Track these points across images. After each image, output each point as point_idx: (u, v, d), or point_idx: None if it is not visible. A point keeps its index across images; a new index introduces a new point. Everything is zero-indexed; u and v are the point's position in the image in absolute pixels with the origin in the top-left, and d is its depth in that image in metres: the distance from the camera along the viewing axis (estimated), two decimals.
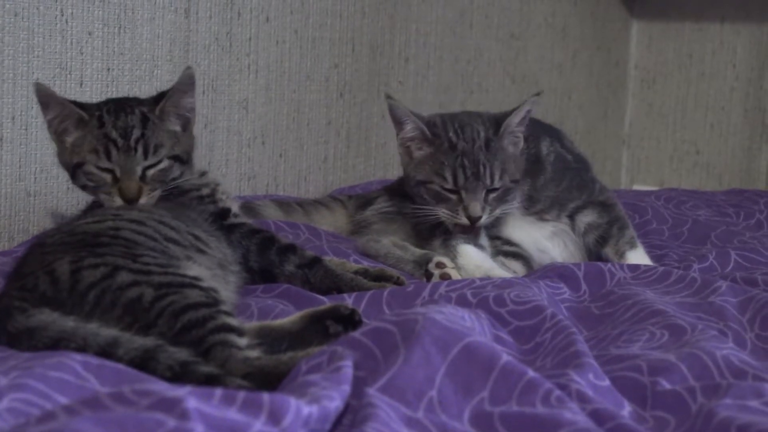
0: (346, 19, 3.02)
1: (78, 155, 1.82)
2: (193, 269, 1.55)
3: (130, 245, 1.54)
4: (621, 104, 4.14)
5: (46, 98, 1.82)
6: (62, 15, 2.33)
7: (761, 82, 3.86)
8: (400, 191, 2.39)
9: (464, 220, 2.13)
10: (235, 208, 1.95)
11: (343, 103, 3.05)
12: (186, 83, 1.87)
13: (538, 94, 2.20)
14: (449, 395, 1.27)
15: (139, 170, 1.80)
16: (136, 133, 1.80)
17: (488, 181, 2.12)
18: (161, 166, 1.82)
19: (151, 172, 1.81)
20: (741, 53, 3.90)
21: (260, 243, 1.88)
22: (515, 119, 2.16)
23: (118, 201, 1.79)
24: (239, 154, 2.78)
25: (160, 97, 1.88)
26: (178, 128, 1.88)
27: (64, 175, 2.37)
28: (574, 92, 3.89)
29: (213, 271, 1.64)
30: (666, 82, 4.08)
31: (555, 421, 1.22)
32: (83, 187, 1.86)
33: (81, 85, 2.37)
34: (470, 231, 2.16)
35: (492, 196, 2.13)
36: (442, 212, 2.14)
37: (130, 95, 1.99)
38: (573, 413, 1.23)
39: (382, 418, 1.18)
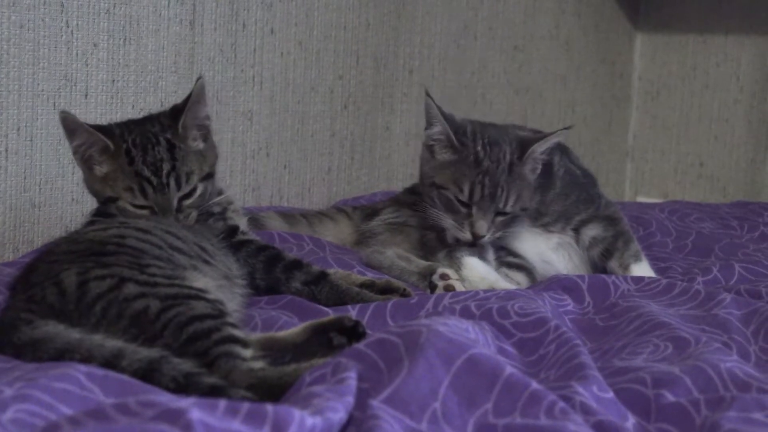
0: (350, 31, 3.02)
1: (112, 190, 1.83)
2: (199, 280, 1.56)
3: (136, 254, 1.54)
4: (625, 116, 4.14)
5: (72, 126, 1.83)
6: (67, 26, 2.34)
7: (765, 94, 3.86)
8: (406, 202, 2.39)
9: (467, 236, 2.13)
10: (243, 225, 1.96)
11: (347, 115, 3.06)
12: (200, 94, 1.88)
13: (568, 128, 2.20)
14: (453, 407, 1.27)
15: (175, 203, 1.83)
16: (167, 167, 1.82)
17: (501, 205, 2.13)
18: (196, 193, 1.85)
19: (187, 201, 1.84)
20: (745, 65, 3.91)
21: (266, 261, 1.89)
22: (541, 147, 2.16)
23: None
24: (243, 165, 2.78)
25: (176, 111, 1.88)
26: (200, 144, 1.89)
27: (68, 187, 2.38)
28: (578, 104, 3.89)
29: (218, 282, 1.64)
30: (670, 95, 4.08)
31: None
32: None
33: (86, 96, 2.38)
34: (471, 246, 2.16)
35: (500, 219, 2.15)
36: (449, 222, 2.15)
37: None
38: (577, 425, 1.23)
39: (386, 429, 1.18)
